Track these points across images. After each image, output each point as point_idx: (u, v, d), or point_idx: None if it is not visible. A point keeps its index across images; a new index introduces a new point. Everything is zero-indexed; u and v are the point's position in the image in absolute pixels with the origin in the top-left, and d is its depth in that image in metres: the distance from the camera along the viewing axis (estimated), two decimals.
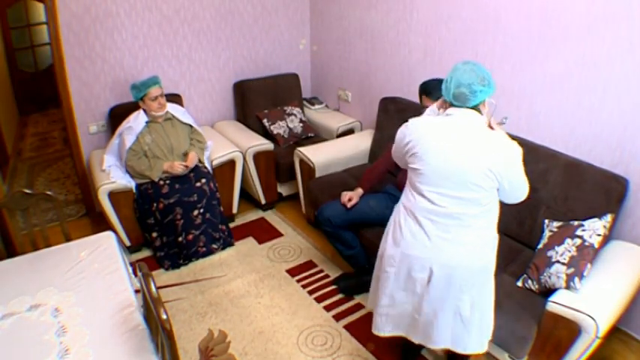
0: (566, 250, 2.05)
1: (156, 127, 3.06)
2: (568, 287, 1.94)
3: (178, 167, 2.99)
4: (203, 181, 3.05)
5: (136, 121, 3.02)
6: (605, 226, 2.10)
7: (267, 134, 3.77)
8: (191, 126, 3.23)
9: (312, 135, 3.89)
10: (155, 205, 2.94)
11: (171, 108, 3.17)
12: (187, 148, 3.15)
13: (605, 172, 2.22)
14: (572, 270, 1.96)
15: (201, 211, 3.01)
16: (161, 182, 2.97)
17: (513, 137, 2.60)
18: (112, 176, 2.99)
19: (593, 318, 1.77)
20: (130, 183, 3.00)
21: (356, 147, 3.46)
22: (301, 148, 3.32)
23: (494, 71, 2.74)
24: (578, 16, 2.27)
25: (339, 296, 2.74)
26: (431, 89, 2.43)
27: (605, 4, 2.15)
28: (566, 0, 2.30)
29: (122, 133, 3.04)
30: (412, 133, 1.76)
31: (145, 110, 3.05)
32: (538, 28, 2.45)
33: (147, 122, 3.04)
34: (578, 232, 2.10)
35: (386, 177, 2.81)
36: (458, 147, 1.68)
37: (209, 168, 3.22)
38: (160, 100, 3.00)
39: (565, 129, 2.46)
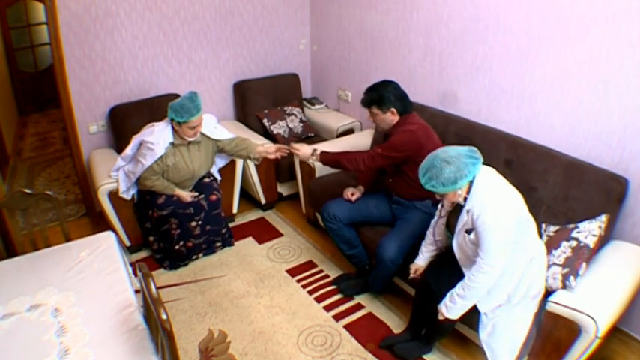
0: (562, 252, 2.06)
1: (181, 150, 2.83)
2: (564, 287, 1.94)
3: (188, 199, 2.87)
4: (201, 196, 2.94)
5: (160, 138, 2.74)
6: (600, 227, 2.11)
7: (267, 134, 3.77)
8: (219, 139, 2.96)
9: (312, 135, 3.89)
10: (151, 212, 2.92)
11: (203, 122, 2.84)
12: (206, 170, 3.01)
13: (605, 172, 2.22)
14: (567, 270, 1.97)
15: (200, 223, 2.95)
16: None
17: (514, 138, 2.63)
18: (120, 190, 2.89)
19: (592, 318, 1.77)
20: (131, 196, 2.96)
21: (356, 147, 3.43)
22: None
23: (494, 71, 2.76)
24: (578, 16, 2.27)
25: (339, 296, 2.74)
26: (365, 93, 2.52)
27: (605, 4, 2.15)
28: (566, 0, 2.30)
29: (142, 144, 2.79)
30: (517, 205, 1.89)
31: (173, 128, 2.77)
32: (538, 28, 2.45)
33: (171, 143, 2.79)
34: (574, 234, 2.11)
35: (380, 177, 2.81)
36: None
37: (216, 176, 3.16)
38: (198, 128, 2.76)
39: (565, 129, 2.46)
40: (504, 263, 1.86)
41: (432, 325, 2.23)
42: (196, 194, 2.92)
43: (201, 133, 2.87)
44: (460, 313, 1.97)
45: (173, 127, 2.77)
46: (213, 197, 2.98)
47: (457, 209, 2.01)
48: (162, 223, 2.89)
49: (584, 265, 1.96)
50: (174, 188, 2.87)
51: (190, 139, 2.80)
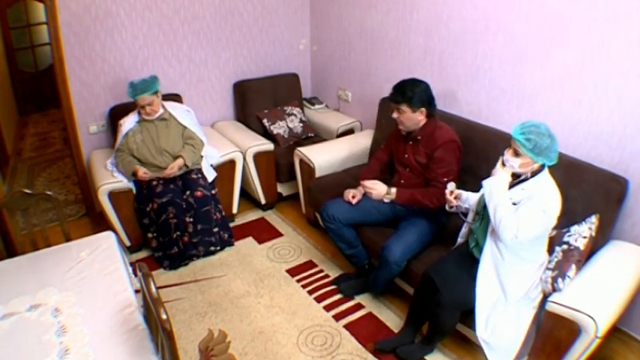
0: (555, 257, 2.08)
1: (148, 127, 3.01)
2: (554, 289, 1.95)
3: (142, 175, 2.92)
4: (187, 193, 2.97)
5: (129, 119, 3.01)
6: (590, 228, 2.11)
7: (267, 134, 3.77)
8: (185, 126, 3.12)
9: (312, 135, 3.89)
10: (150, 205, 2.93)
11: (172, 107, 3.13)
12: (180, 150, 3.07)
13: (605, 172, 2.22)
14: (556, 272, 1.98)
15: (192, 220, 2.97)
16: (154, 182, 2.96)
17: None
18: (115, 174, 3.01)
19: (592, 318, 1.77)
20: (130, 183, 3.00)
21: (356, 147, 3.46)
22: (301, 148, 3.32)
23: (494, 71, 2.76)
24: (578, 16, 2.27)
25: (339, 296, 2.74)
26: (395, 89, 2.46)
27: (605, 4, 2.15)
28: (566, 0, 2.30)
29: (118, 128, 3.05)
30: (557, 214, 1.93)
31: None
32: (538, 28, 2.45)
33: (138, 122, 3.01)
34: (565, 239, 2.12)
35: (383, 176, 2.81)
36: None
37: (206, 173, 3.14)
38: (147, 109, 2.94)
39: (565, 129, 2.46)
40: (524, 240, 1.90)
41: (433, 326, 2.23)
42: (146, 171, 2.95)
43: (171, 116, 3.09)
44: (487, 188, 1.98)
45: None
46: (199, 193, 2.98)
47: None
48: (161, 213, 2.90)
49: (573, 266, 1.97)
50: (135, 163, 2.97)
51: (147, 118, 2.99)
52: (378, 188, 2.55)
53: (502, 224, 1.89)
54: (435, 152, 2.46)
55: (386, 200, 2.53)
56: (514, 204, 1.95)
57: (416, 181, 2.56)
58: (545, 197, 1.90)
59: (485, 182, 2.02)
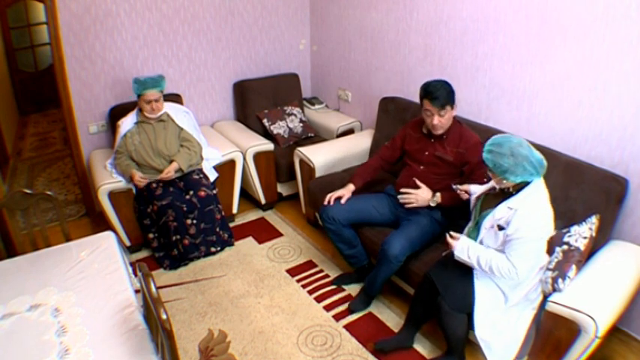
0: (555, 257, 2.07)
1: (146, 128, 3.00)
2: (554, 290, 1.95)
3: (138, 181, 2.91)
4: (191, 192, 2.98)
5: (127, 120, 3.00)
6: (590, 228, 2.11)
7: (267, 134, 3.77)
8: (181, 126, 3.09)
9: (312, 135, 3.89)
10: (150, 207, 2.94)
11: (171, 108, 3.12)
12: (170, 150, 3.04)
13: (605, 172, 2.22)
14: (556, 273, 1.98)
15: (194, 222, 2.97)
16: (154, 185, 2.96)
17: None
18: (114, 175, 3.01)
19: (592, 318, 1.77)
20: (129, 183, 3.00)
21: (356, 147, 3.46)
22: (301, 148, 3.32)
23: (494, 71, 2.76)
24: (578, 16, 2.27)
25: (339, 296, 2.74)
26: (435, 93, 2.35)
27: (605, 4, 2.15)
28: (566, 0, 2.30)
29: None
30: (551, 224, 1.93)
31: (140, 108, 3.00)
32: (538, 29, 2.45)
33: (136, 123, 2.99)
34: (565, 239, 2.12)
35: (380, 174, 2.80)
36: None
37: (207, 173, 3.16)
38: (154, 105, 2.92)
39: (565, 129, 2.46)
40: (526, 270, 1.91)
41: (447, 336, 2.15)
42: (143, 176, 2.93)
43: (169, 117, 3.06)
44: (461, 259, 2.01)
45: (139, 109, 3.00)
46: (202, 193, 2.99)
47: (491, 201, 2.05)
48: (161, 215, 2.90)
49: (573, 267, 1.97)
50: (133, 168, 2.96)
51: (150, 116, 2.96)
52: (423, 194, 2.47)
53: (496, 272, 1.91)
54: (467, 153, 2.44)
55: (432, 204, 2.48)
56: (500, 228, 1.91)
57: (432, 178, 2.54)
58: (531, 225, 1.85)
59: (456, 254, 2.03)
